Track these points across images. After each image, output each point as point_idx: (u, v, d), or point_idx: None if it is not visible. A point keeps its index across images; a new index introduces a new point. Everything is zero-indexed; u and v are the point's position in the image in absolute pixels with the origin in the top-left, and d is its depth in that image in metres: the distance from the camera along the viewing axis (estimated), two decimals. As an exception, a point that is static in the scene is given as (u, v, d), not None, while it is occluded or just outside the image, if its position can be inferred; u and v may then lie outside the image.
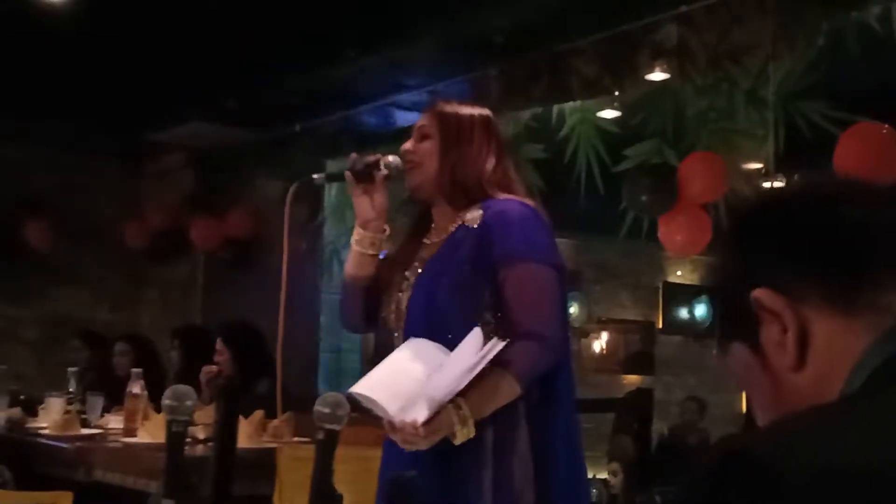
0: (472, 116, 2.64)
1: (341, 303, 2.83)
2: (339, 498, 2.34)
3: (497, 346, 2.35)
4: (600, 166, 5.23)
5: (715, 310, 1.07)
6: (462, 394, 2.37)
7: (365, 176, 2.65)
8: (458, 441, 2.39)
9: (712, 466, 0.83)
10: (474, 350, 2.37)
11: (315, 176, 2.75)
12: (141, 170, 8.11)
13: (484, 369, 2.35)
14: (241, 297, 7.23)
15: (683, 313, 9.83)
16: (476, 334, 2.39)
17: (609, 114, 5.38)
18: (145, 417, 4.51)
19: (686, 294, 9.81)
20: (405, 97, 6.25)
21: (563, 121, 5.35)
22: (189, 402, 2.60)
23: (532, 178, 5.04)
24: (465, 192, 2.58)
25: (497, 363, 2.36)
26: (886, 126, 4.17)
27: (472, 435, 2.39)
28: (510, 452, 2.46)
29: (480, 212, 2.54)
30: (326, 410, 2.32)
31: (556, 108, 5.35)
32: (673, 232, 4.81)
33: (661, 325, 9.79)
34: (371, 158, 2.66)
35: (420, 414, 2.36)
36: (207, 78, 6.15)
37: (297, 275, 7.02)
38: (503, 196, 2.56)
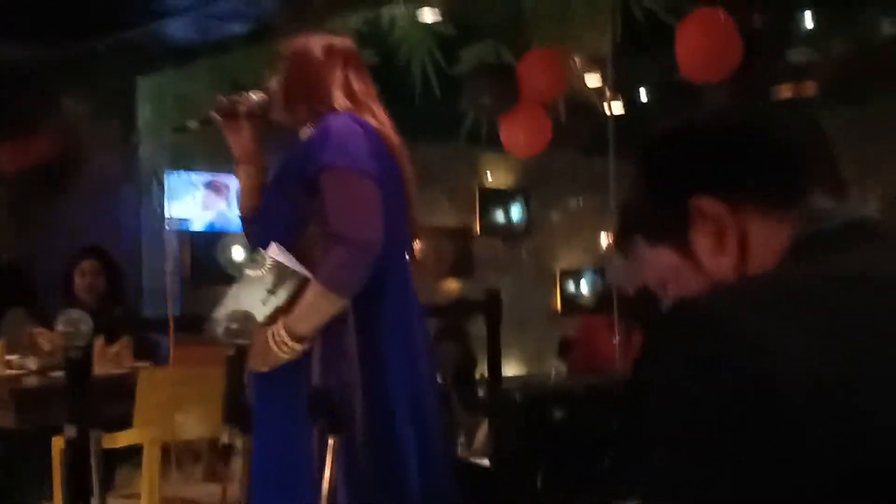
0: (310, 47, 2.82)
1: (247, 233, 2.96)
2: (251, 411, 2.33)
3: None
4: (436, 69, 5.17)
5: (620, 216, 1.14)
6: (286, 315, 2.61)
7: (230, 114, 2.87)
8: (288, 358, 2.59)
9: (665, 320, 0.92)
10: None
11: (189, 122, 3.05)
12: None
13: (305, 286, 2.59)
14: (54, 220, 6.93)
15: (500, 217, 9.96)
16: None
17: (433, 16, 5.30)
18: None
19: (502, 198, 9.94)
20: (223, 6, 6.02)
21: (395, 24, 5.25)
22: (85, 328, 2.53)
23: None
24: (307, 115, 2.77)
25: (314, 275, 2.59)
26: (722, 10, 4.20)
27: (297, 351, 2.60)
28: (338, 360, 2.63)
29: (312, 129, 2.73)
30: (236, 326, 2.33)
31: (387, 11, 5.24)
32: (514, 133, 4.82)
33: (478, 231, 9.91)
34: (234, 97, 2.90)
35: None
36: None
37: (115, 197, 6.78)
38: (339, 111, 2.72)
